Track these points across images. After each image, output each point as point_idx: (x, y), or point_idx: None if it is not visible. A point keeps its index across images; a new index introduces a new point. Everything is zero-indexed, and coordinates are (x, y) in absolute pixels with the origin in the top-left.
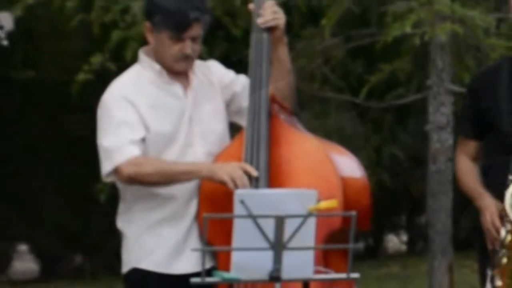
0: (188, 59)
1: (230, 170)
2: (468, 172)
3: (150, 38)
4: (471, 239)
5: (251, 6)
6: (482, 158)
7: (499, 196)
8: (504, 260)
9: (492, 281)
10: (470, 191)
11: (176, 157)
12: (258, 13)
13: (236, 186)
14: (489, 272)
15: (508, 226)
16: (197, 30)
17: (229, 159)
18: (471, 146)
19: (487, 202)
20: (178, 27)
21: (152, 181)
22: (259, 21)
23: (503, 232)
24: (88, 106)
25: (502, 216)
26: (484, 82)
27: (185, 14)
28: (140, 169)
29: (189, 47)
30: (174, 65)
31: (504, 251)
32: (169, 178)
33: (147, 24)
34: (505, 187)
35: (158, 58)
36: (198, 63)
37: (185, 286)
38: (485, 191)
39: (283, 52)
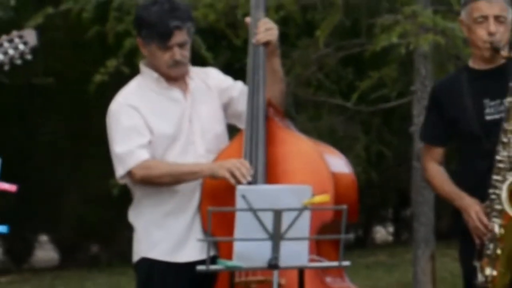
0: (179, 64)
1: (229, 166)
2: (441, 176)
3: (144, 51)
4: (453, 235)
5: (247, 20)
6: (458, 163)
7: (480, 197)
8: (498, 252)
9: (482, 271)
10: (448, 193)
11: (179, 154)
12: (254, 30)
13: (236, 180)
14: (477, 264)
15: (498, 221)
16: (181, 37)
17: (229, 158)
18: (438, 152)
19: (468, 202)
20: (162, 37)
21: (161, 182)
22: (254, 40)
23: (496, 227)
24: (103, 109)
25: (488, 213)
26: (446, 93)
27: (166, 24)
28: (150, 172)
29: (177, 53)
30: (168, 72)
31: (497, 243)
32: (176, 179)
33: (138, 39)
34: (489, 187)
35: (154, 67)
36: (197, 69)
37: (189, 273)
38: (461, 191)
39: (277, 63)
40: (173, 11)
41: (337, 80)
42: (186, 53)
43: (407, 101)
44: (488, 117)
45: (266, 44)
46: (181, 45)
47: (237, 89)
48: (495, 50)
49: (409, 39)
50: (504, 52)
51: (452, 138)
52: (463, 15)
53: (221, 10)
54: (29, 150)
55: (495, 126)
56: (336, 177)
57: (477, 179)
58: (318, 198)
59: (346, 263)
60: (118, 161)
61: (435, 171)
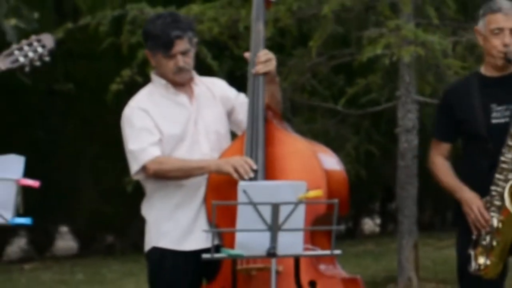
0: (183, 70)
1: (233, 163)
2: (446, 170)
3: (152, 61)
4: (454, 224)
5: (246, 54)
6: (462, 160)
7: (481, 192)
8: (494, 243)
9: (475, 259)
10: (450, 186)
11: (186, 153)
12: (254, 60)
13: (239, 175)
14: (471, 252)
15: (497, 216)
16: (182, 46)
17: (232, 156)
18: (445, 147)
19: (469, 195)
20: (165, 46)
21: (172, 176)
22: (253, 71)
23: (494, 221)
24: (118, 113)
25: (487, 207)
26: (457, 96)
27: (167, 34)
28: (163, 167)
29: (181, 60)
30: (174, 78)
31: (493, 236)
32: (186, 173)
33: (146, 50)
34: (491, 184)
35: (162, 75)
36: (204, 78)
37: (195, 260)
38: (463, 184)
39: (275, 89)
40: (175, 23)
41: (329, 86)
42: (189, 60)
43: (392, 105)
44: (494, 121)
45: (265, 73)
46: (183, 53)
47: (240, 100)
48: (508, 61)
49: (393, 50)
50: None
51: (459, 137)
52: (480, 25)
53: (224, 24)
54: (50, 150)
55: (500, 129)
56: (328, 174)
57: (478, 177)
58: (312, 193)
59: (337, 252)
60: (133, 158)
61: (441, 164)
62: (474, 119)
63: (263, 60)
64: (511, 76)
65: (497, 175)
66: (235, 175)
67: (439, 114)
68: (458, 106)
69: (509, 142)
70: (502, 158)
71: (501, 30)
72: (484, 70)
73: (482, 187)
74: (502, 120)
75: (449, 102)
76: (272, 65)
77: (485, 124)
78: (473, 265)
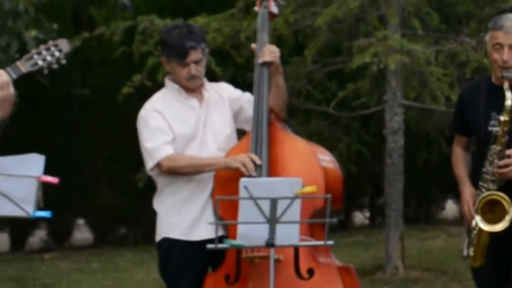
0: (195, 78)
1: (241, 159)
2: (459, 160)
3: (167, 67)
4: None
5: (253, 45)
6: (473, 156)
7: (475, 185)
8: (475, 240)
9: (468, 247)
10: (456, 176)
11: (195, 152)
12: (259, 52)
13: (247, 170)
14: (466, 239)
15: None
16: (195, 55)
17: (238, 154)
18: (463, 140)
19: (466, 189)
20: (179, 55)
21: (185, 172)
22: (260, 60)
23: (474, 222)
24: (130, 115)
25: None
26: (467, 98)
27: (183, 45)
28: (176, 163)
29: (193, 69)
30: (186, 84)
31: (476, 233)
32: (197, 170)
33: (162, 57)
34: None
35: (175, 80)
36: (212, 84)
37: (202, 249)
38: (467, 178)
39: (280, 79)
40: (190, 34)
41: (323, 91)
42: (201, 68)
43: (380, 108)
44: (490, 128)
45: (270, 64)
46: (196, 62)
47: (246, 99)
48: (502, 77)
49: (381, 58)
50: (506, 84)
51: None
52: (487, 37)
53: (227, 34)
54: (68, 150)
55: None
56: (326, 172)
57: (477, 175)
58: (308, 189)
59: (330, 242)
60: (148, 156)
61: (457, 154)
62: (476, 123)
63: (268, 52)
64: None
65: (481, 182)
66: (243, 169)
67: (456, 110)
68: (467, 107)
69: (489, 157)
70: (484, 169)
71: (501, 46)
72: (493, 77)
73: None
74: (498, 129)
75: (462, 102)
76: (276, 57)
77: (484, 130)
78: (465, 252)
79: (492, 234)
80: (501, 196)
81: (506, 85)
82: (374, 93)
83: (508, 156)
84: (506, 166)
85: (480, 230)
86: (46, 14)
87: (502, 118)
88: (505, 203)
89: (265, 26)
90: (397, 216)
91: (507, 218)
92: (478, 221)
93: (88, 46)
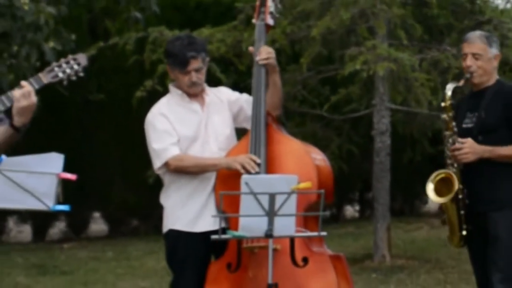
0: (196, 84)
1: (241, 160)
2: None
3: (171, 74)
4: None
5: (250, 48)
6: None
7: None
8: (447, 218)
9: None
10: None
11: (198, 152)
12: (256, 53)
13: (246, 170)
14: (442, 218)
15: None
16: (196, 64)
17: (238, 154)
18: None
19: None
20: (181, 64)
21: (190, 171)
22: (256, 58)
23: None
24: (143, 118)
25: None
26: (458, 105)
27: (184, 54)
28: (182, 163)
29: (194, 76)
30: (188, 90)
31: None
32: (201, 169)
33: (167, 66)
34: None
35: (178, 87)
36: (212, 89)
37: (204, 240)
38: None
39: (277, 77)
40: (191, 45)
41: (317, 96)
42: (202, 76)
43: (369, 111)
44: (464, 125)
45: (267, 64)
46: (197, 70)
47: (245, 99)
48: (466, 79)
49: (370, 66)
50: (461, 82)
51: None
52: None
53: (229, 44)
54: (86, 149)
55: (466, 132)
56: (318, 169)
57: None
58: (302, 185)
59: (323, 233)
60: (156, 156)
61: None
62: (458, 122)
63: (265, 51)
64: (484, 91)
65: (445, 167)
66: (242, 171)
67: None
68: (457, 113)
69: (445, 143)
70: (445, 155)
71: (466, 55)
72: (462, 82)
73: None
74: (469, 125)
75: (456, 110)
76: (272, 57)
77: (460, 127)
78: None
79: (467, 216)
80: (450, 173)
81: (461, 82)
82: (363, 97)
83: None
84: (456, 149)
85: (445, 207)
86: (65, 26)
87: (443, 104)
88: (452, 179)
89: (262, 37)
90: (384, 209)
91: (451, 194)
92: (429, 191)
93: (103, 55)
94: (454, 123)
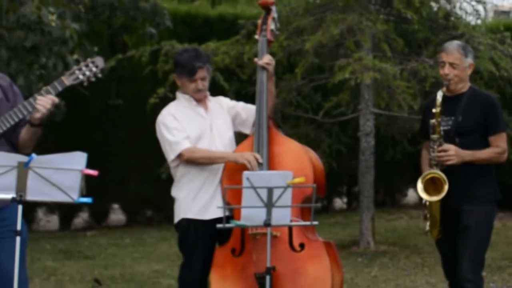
0: (201, 91)
1: (247, 157)
2: (425, 160)
3: (178, 82)
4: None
5: (256, 60)
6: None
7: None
8: (429, 213)
9: (426, 222)
10: (421, 170)
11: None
12: (259, 61)
13: (251, 166)
14: (423, 213)
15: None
16: (202, 73)
17: (243, 151)
18: (428, 143)
19: None
20: (189, 73)
21: (200, 162)
22: (259, 62)
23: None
24: (155, 121)
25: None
26: (428, 109)
27: (192, 65)
28: (194, 155)
29: (200, 84)
30: (194, 96)
31: (427, 209)
32: (211, 161)
33: (174, 74)
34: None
35: (185, 92)
36: (213, 98)
37: (212, 227)
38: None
39: (272, 86)
40: (197, 57)
41: (310, 102)
42: (206, 83)
43: (356, 115)
44: (441, 128)
45: (267, 69)
46: (202, 79)
47: (240, 106)
48: (445, 86)
49: (357, 75)
50: (444, 89)
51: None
52: (439, 58)
53: (233, 56)
54: (106, 149)
55: (444, 134)
56: (313, 166)
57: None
58: (297, 180)
59: (315, 222)
60: (170, 149)
61: (424, 156)
62: (428, 127)
63: (267, 58)
64: (459, 96)
65: (429, 168)
66: (248, 165)
67: (421, 121)
68: (427, 117)
69: (431, 145)
70: (430, 157)
71: (443, 63)
72: (444, 89)
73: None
74: (446, 128)
75: (424, 114)
76: (272, 65)
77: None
78: (427, 228)
79: (442, 211)
80: (439, 174)
81: (444, 89)
82: (350, 103)
83: (447, 146)
84: (443, 151)
85: (430, 204)
86: (88, 40)
87: (434, 110)
88: (442, 180)
89: (264, 50)
90: (369, 201)
91: (443, 192)
92: (420, 191)
93: (122, 65)
94: (441, 128)
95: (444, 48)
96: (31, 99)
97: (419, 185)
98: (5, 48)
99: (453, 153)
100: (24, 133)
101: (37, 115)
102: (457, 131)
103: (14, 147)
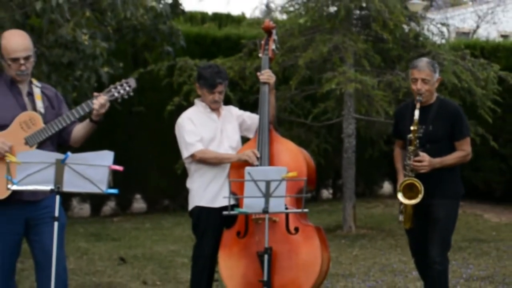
0: (217, 102)
1: (247, 153)
2: (397, 157)
3: (199, 91)
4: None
5: (258, 74)
6: (405, 154)
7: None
8: (404, 209)
9: (400, 215)
10: (396, 168)
11: (215, 149)
12: (261, 76)
13: (252, 161)
14: (399, 209)
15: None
16: (221, 88)
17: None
18: (400, 142)
19: (400, 177)
20: (210, 87)
21: (210, 162)
22: (261, 77)
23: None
24: (172, 125)
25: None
26: (399, 114)
27: (214, 80)
28: (205, 155)
29: (217, 96)
30: (211, 105)
31: (402, 205)
32: (219, 161)
33: (197, 84)
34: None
35: (203, 101)
36: (225, 106)
37: (220, 214)
38: (402, 169)
39: (272, 98)
40: (219, 73)
41: (301, 108)
42: (222, 96)
43: (340, 120)
44: (416, 141)
45: (268, 83)
46: (220, 92)
47: (246, 115)
48: (419, 100)
49: (341, 86)
50: (418, 105)
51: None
52: (410, 73)
53: (236, 70)
54: (130, 148)
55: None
56: (306, 163)
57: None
58: (290, 174)
59: (305, 210)
60: (185, 149)
61: (396, 153)
62: (404, 132)
63: (267, 74)
64: (428, 107)
65: (405, 172)
66: (250, 161)
67: (394, 123)
68: (400, 120)
69: (407, 154)
70: (405, 163)
71: (415, 79)
72: (415, 100)
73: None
74: (418, 135)
75: (396, 117)
76: (272, 80)
77: (407, 136)
78: (400, 218)
79: (414, 206)
80: (416, 180)
81: (418, 105)
82: (335, 109)
83: (421, 157)
84: (419, 161)
85: (404, 204)
86: (115, 56)
87: (412, 127)
88: (418, 186)
89: (266, 66)
90: (351, 192)
91: (419, 196)
92: (400, 197)
93: (143, 78)
94: (417, 141)
95: (415, 65)
96: (85, 104)
97: (399, 194)
98: (46, 64)
99: (426, 164)
100: (80, 128)
101: (102, 110)
102: (428, 138)
103: (57, 147)
